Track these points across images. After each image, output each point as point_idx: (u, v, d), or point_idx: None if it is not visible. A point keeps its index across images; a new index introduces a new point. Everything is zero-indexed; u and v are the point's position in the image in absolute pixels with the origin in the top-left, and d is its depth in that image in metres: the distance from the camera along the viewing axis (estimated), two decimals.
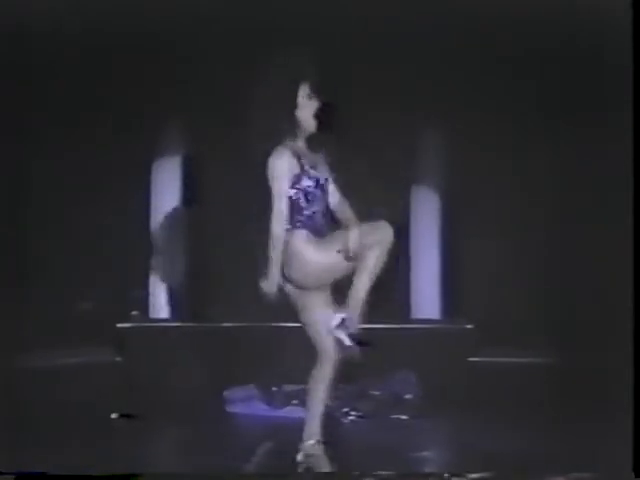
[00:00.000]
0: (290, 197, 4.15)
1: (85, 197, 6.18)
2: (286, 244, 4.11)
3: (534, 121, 5.96)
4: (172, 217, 6.44)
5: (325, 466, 4.28)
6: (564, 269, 5.96)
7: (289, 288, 4.21)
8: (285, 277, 4.17)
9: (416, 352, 5.98)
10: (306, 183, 4.18)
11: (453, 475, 4.20)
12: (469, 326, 6.15)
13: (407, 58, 5.93)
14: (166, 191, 6.46)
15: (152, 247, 6.42)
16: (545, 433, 4.97)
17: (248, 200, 5.78)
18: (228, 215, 6.12)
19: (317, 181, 4.21)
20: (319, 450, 4.30)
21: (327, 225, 4.23)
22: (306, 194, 4.19)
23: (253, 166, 5.50)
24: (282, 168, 4.10)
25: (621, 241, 4.68)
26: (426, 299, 6.42)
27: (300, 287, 4.20)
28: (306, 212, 4.18)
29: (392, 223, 4.09)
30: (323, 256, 4.11)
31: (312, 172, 4.20)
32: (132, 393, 5.81)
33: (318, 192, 4.23)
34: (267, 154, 4.12)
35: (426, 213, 6.42)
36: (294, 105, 4.14)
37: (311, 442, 4.29)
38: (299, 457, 4.30)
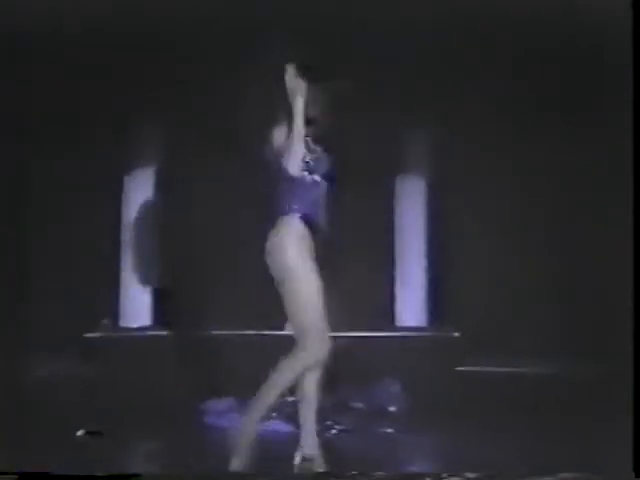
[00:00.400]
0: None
1: (54, 201, 6.15)
2: (276, 230, 4.09)
3: (534, 121, 5.95)
4: (145, 221, 6.37)
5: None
6: (556, 272, 5.93)
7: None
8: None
9: (401, 361, 5.90)
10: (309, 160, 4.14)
11: (450, 475, 4.21)
12: (456, 334, 6.07)
13: (405, 56, 5.92)
14: (139, 195, 6.40)
15: (123, 251, 6.34)
16: (543, 439, 4.94)
17: (224, 207, 6.15)
18: (206, 220, 6.11)
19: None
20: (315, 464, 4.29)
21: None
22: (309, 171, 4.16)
23: (236, 169, 5.73)
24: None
25: (620, 242, 4.66)
26: (411, 305, 6.36)
27: (279, 281, 4.14)
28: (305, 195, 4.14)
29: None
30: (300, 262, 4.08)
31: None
32: (101, 408, 5.59)
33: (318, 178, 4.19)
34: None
35: (411, 215, 6.35)
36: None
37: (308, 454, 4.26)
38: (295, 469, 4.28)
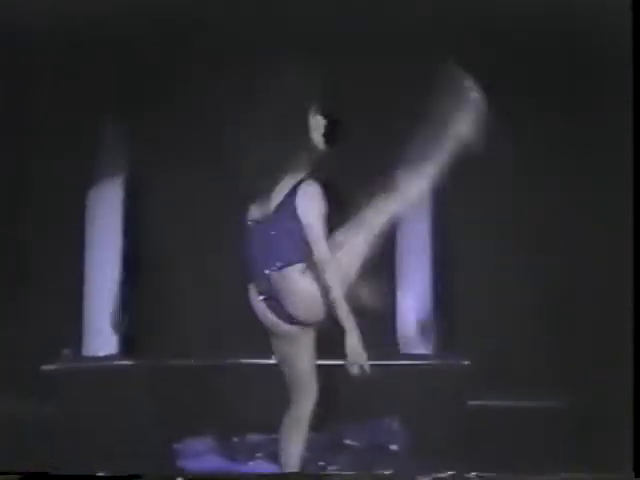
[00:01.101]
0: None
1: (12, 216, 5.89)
2: (281, 281, 3.97)
3: (534, 121, 5.86)
4: (110, 242, 6.10)
5: None
6: (573, 293, 5.72)
7: (288, 328, 4.05)
8: (287, 316, 4.02)
9: (403, 393, 5.66)
10: None
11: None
12: (466, 362, 5.79)
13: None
14: (104, 212, 6.13)
15: (87, 270, 6.04)
16: None
17: (197, 230, 5.92)
18: (176, 242, 5.92)
19: None
20: None
21: None
22: None
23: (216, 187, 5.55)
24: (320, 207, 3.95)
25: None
26: (415, 331, 6.10)
27: (303, 323, 4.05)
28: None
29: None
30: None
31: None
32: (61, 451, 5.30)
33: None
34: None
35: (416, 233, 6.12)
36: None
37: None
38: None
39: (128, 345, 6.01)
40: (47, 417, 5.56)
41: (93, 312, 6.02)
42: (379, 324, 5.64)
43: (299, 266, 3.95)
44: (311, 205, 3.90)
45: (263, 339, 4.12)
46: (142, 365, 5.81)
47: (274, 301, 3.98)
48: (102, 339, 6.00)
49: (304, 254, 3.93)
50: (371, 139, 5.54)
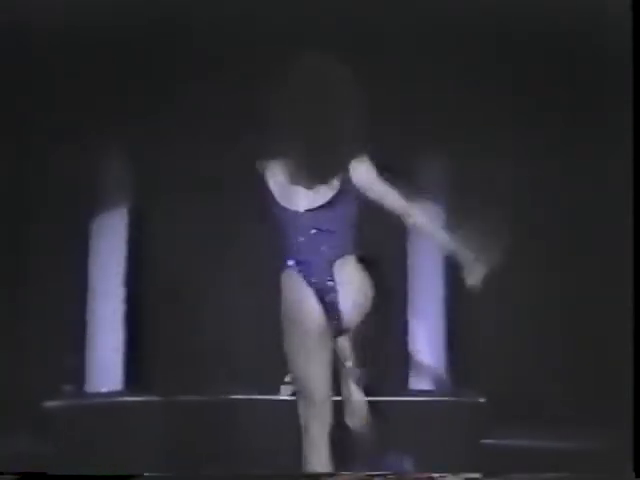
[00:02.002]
0: None
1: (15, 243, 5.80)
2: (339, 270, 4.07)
3: (533, 121, 5.85)
4: (115, 271, 5.97)
5: None
6: (592, 323, 5.62)
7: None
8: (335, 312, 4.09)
9: (415, 431, 5.48)
10: None
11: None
12: (481, 400, 5.63)
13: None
14: (108, 236, 6.01)
15: (90, 305, 5.89)
16: None
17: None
18: (184, 271, 5.83)
19: None
20: None
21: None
22: None
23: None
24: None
25: None
26: (428, 366, 5.97)
27: (344, 322, 4.10)
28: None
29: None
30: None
31: None
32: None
33: None
34: None
35: (427, 264, 6.03)
36: None
37: None
38: None
39: (132, 381, 5.88)
40: (46, 454, 5.33)
41: (96, 345, 5.91)
42: (389, 359, 5.70)
43: (354, 256, 4.05)
44: (373, 174, 4.01)
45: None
46: (150, 403, 5.68)
47: (327, 293, 4.02)
48: (105, 374, 5.89)
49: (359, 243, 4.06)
50: None
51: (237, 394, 5.60)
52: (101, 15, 5.46)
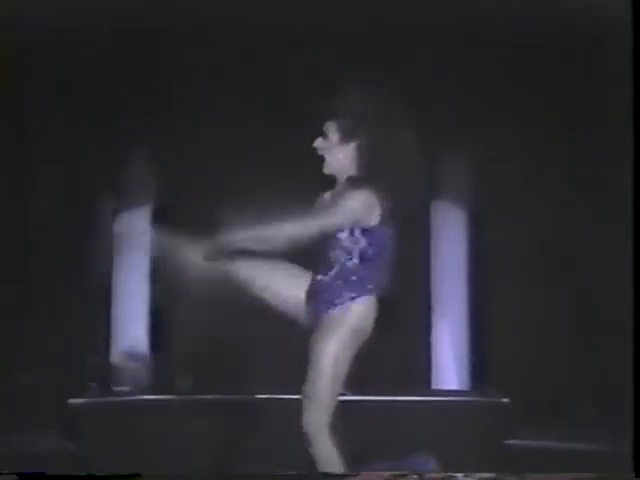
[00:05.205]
0: None
1: (38, 243, 5.82)
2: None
3: (533, 122, 5.85)
4: (140, 268, 5.95)
5: None
6: (592, 323, 5.66)
7: None
8: None
9: (437, 432, 5.43)
10: None
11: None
12: (505, 400, 5.60)
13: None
14: (132, 240, 5.97)
15: (114, 301, 5.93)
16: None
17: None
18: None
19: None
20: None
21: None
22: None
23: None
24: None
25: None
26: (450, 365, 5.99)
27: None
28: None
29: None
30: None
31: None
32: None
33: None
34: None
35: (450, 258, 6.04)
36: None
37: None
38: None
39: (159, 379, 5.88)
40: (71, 452, 5.37)
41: (122, 341, 5.95)
42: (411, 358, 5.81)
43: None
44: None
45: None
46: (177, 401, 5.65)
47: None
48: (131, 373, 5.90)
49: None
50: None
51: (262, 393, 5.57)
52: (112, 13, 5.48)
